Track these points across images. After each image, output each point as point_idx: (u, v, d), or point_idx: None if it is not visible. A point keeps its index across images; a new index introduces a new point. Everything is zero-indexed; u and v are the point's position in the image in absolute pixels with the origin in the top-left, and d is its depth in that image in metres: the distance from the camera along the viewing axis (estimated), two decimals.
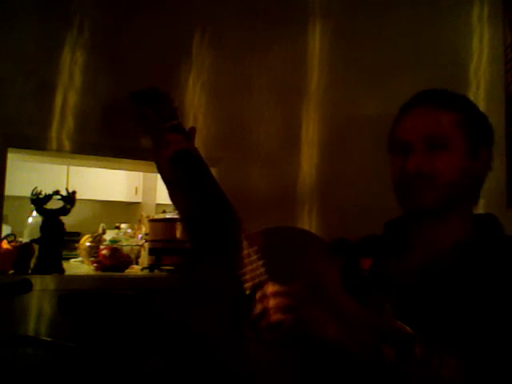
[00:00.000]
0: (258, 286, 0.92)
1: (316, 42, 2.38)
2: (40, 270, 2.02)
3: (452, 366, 0.85)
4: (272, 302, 0.88)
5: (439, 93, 1.10)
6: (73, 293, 1.92)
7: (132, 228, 3.01)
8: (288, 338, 0.89)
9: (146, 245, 2.51)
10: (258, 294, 0.90)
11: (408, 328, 0.87)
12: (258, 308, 0.89)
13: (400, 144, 1.07)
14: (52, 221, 2.13)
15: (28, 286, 1.48)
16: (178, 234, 2.35)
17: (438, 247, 1.06)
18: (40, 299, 1.86)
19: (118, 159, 2.24)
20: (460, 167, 1.05)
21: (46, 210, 2.15)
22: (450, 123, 1.05)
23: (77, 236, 2.87)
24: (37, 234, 2.12)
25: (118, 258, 2.33)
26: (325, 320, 0.87)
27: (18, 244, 2.16)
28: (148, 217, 3.01)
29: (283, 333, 0.88)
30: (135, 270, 2.45)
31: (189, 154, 1.11)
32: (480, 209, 1.14)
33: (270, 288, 0.89)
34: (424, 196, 1.04)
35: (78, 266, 2.63)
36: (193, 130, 1.18)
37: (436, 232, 1.07)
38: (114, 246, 2.43)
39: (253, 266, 0.96)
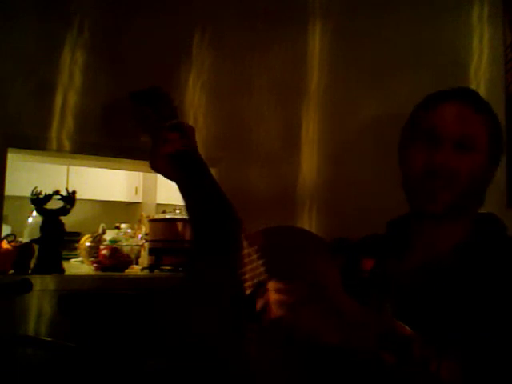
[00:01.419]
0: (260, 284, 0.92)
1: (316, 42, 2.38)
2: (40, 270, 2.02)
3: (451, 369, 0.84)
4: (273, 298, 0.88)
5: (476, 94, 1.11)
6: (73, 293, 1.92)
7: (132, 228, 3.01)
8: (287, 337, 0.89)
9: (146, 245, 2.51)
10: (260, 291, 0.90)
11: (408, 328, 0.87)
12: (260, 304, 0.89)
13: (429, 131, 1.06)
14: (52, 221, 2.13)
15: (28, 286, 1.48)
16: (179, 234, 2.35)
17: (439, 247, 1.06)
18: (40, 299, 1.86)
19: (118, 159, 2.24)
20: (481, 172, 1.05)
21: (46, 209, 2.15)
22: (480, 125, 1.06)
23: (77, 236, 2.87)
24: (37, 234, 2.12)
25: (118, 258, 2.33)
26: (321, 322, 0.86)
27: (18, 244, 2.16)
28: (148, 217, 3.01)
29: (282, 330, 0.88)
30: (135, 270, 2.45)
31: (188, 154, 1.11)
32: (480, 209, 1.14)
33: (272, 285, 0.89)
34: (442, 197, 1.03)
35: (78, 266, 2.63)
36: (191, 129, 1.18)
37: (438, 232, 1.07)
38: (114, 246, 2.43)
39: (253, 265, 0.96)
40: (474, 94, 1.11)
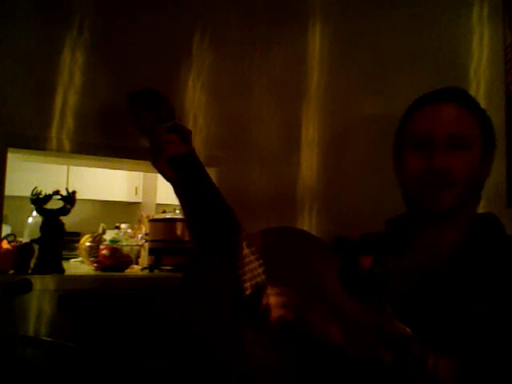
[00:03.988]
0: (259, 286, 0.92)
1: (316, 42, 2.38)
2: (40, 270, 2.02)
3: (449, 367, 0.85)
4: (275, 299, 0.88)
5: (461, 92, 1.11)
6: (73, 293, 1.92)
7: (132, 228, 3.01)
8: (288, 337, 0.89)
9: (146, 245, 2.51)
10: (262, 292, 0.91)
11: (407, 328, 0.87)
12: (262, 305, 0.89)
13: (420, 138, 1.06)
14: (52, 221, 2.13)
15: (28, 286, 1.48)
16: (179, 234, 2.35)
17: (439, 247, 1.06)
18: (40, 299, 1.86)
19: (117, 159, 2.24)
20: (476, 169, 1.05)
21: (46, 209, 2.15)
22: (472, 124, 1.05)
23: (77, 236, 2.87)
24: (37, 234, 2.12)
25: (117, 258, 2.33)
26: (325, 321, 0.87)
27: (17, 244, 2.16)
28: (148, 217, 3.01)
29: (284, 330, 0.88)
30: (135, 270, 2.45)
31: (186, 158, 1.11)
32: (480, 209, 1.14)
33: (273, 287, 0.90)
34: (444, 197, 1.03)
35: (78, 266, 2.64)
36: (189, 131, 1.19)
37: (437, 232, 1.07)
38: (114, 246, 2.43)
39: (252, 266, 0.96)
40: (462, 93, 1.10)
